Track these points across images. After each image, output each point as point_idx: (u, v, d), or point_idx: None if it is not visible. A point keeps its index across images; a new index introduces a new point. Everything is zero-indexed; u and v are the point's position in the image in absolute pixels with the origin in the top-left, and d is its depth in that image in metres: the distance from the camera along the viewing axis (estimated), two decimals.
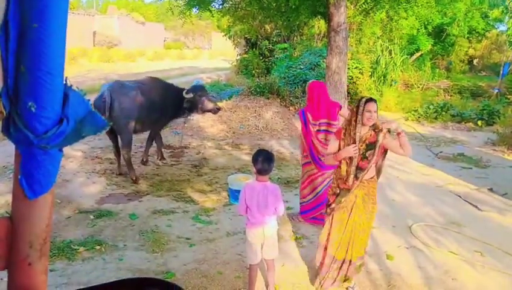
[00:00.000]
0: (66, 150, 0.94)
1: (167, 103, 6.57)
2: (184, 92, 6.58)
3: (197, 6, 7.98)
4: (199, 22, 41.91)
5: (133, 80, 7.11)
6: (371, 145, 3.21)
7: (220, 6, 8.51)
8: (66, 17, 0.93)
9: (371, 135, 3.23)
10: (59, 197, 5.22)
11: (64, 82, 0.96)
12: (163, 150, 7.34)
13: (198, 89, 6.77)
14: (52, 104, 0.93)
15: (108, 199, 5.50)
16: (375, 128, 3.23)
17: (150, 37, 38.16)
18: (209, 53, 42.45)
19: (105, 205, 5.26)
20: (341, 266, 3.36)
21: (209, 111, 6.93)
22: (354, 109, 3.27)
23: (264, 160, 3.15)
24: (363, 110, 3.18)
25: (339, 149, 3.30)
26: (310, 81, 4.95)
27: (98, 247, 4.06)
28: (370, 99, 3.23)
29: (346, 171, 3.27)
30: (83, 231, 4.44)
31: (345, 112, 4.67)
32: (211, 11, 8.39)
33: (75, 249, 3.98)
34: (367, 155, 3.21)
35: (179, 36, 50.19)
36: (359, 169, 3.24)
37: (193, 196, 5.76)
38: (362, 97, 3.29)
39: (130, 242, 4.25)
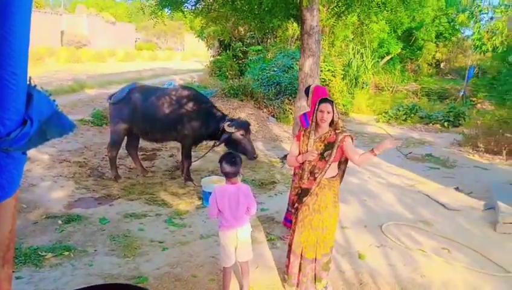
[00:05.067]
0: (32, 153, 0.90)
1: (191, 115, 6.04)
2: (226, 125, 5.80)
3: (169, 7, 7.87)
4: (171, 23, 41.52)
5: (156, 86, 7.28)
6: (330, 145, 3.22)
7: (193, 7, 8.42)
8: (29, 16, 0.89)
9: (330, 135, 3.25)
10: (25, 201, 5.04)
11: (28, 82, 0.92)
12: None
13: (243, 127, 5.90)
14: (16, 104, 0.89)
15: (77, 203, 5.34)
16: (336, 129, 3.27)
17: (120, 37, 37.44)
18: (182, 54, 42.10)
19: (74, 209, 5.10)
20: (312, 266, 3.38)
21: (244, 154, 5.83)
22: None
23: (227, 163, 3.13)
24: (317, 110, 3.23)
25: (300, 151, 3.34)
26: (314, 85, 4.73)
27: (66, 253, 3.94)
28: (324, 100, 3.26)
29: (302, 169, 3.32)
30: (51, 237, 4.29)
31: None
32: (183, 12, 8.29)
33: (43, 256, 3.84)
34: (325, 155, 3.22)
35: (151, 37, 49.52)
36: (317, 169, 3.25)
37: (166, 199, 5.69)
38: (320, 98, 3.34)
39: (101, 247, 4.14)
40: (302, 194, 3.34)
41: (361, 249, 4.31)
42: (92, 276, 3.57)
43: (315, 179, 3.25)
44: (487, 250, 4.41)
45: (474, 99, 17.11)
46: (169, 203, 5.53)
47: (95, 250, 4.08)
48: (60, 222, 4.66)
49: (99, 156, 7.33)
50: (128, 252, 4.04)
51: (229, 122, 5.86)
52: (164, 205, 5.47)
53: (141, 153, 7.80)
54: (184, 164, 6.35)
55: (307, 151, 3.25)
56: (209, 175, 6.52)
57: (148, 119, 6.06)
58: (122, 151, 6.86)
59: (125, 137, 6.43)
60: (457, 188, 6.55)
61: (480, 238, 4.77)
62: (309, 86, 4.59)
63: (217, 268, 3.77)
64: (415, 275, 3.84)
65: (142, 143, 7.28)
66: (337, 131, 3.25)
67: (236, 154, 3.30)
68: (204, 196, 5.52)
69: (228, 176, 3.16)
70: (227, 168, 3.13)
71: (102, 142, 7.88)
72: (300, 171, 3.36)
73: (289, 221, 4.47)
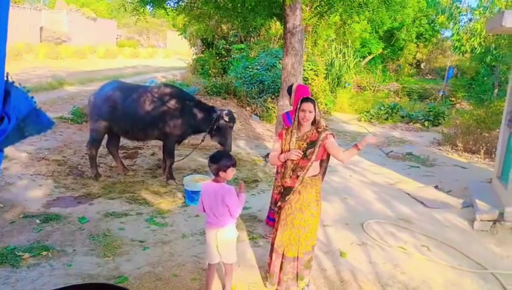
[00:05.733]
0: (10, 151, 0.88)
1: (174, 113, 5.97)
2: (224, 113, 5.99)
3: (151, 4, 7.77)
4: (154, 20, 41.00)
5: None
6: (312, 144, 3.23)
7: (175, 5, 8.32)
8: (7, 11, 0.87)
9: (312, 134, 3.26)
10: (1, 201, 4.92)
11: (6, 78, 0.90)
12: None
13: (233, 121, 6.19)
14: None
15: (56, 202, 5.24)
16: (318, 128, 3.28)
17: (101, 34, 36.78)
18: (164, 52, 41.63)
19: (53, 208, 5.00)
20: (294, 265, 3.40)
21: (223, 145, 6.17)
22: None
23: (210, 161, 3.17)
24: (299, 109, 3.25)
25: (282, 150, 3.35)
26: (296, 84, 4.76)
27: (44, 253, 3.86)
28: (306, 99, 3.27)
29: (284, 167, 3.34)
30: (28, 237, 4.20)
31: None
32: (165, 9, 8.19)
33: (20, 256, 3.75)
34: (307, 154, 3.23)
35: (133, 34, 48.83)
36: (299, 167, 3.26)
37: (147, 197, 5.63)
38: (302, 97, 3.36)
39: (80, 247, 4.07)
40: (284, 192, 3.35)
41: (343, 247, 4.35)
42: (70, 276, 3.51)
43: (297, 177, 3.27)
44: (465, 247, 4.52)
45: (453, 99, 17.53)
46: (151, 202, 5.48)
47: (74, 250, 4.00)
48: (38, 221, 4.56)
49: (79, 154, 7.21)
50: (108, 252, 3.98)
51: (226, 112, 6.09)
52: (145, 203, 5.41)
53: (122, 151, 7.70)
54: (166, 162, 6.30)
55: (289, 150, 3.26)
56: (191, 174, 6.48)
57: (128, 117, 5.98)
58: (103, 149, 6.75)
59: (106, 135, 6.33)
60: (436, 187, 6.67)
61: (459, 235, 4.88)
62: (292, 85, 4.61)
63: (199, 267, 3.75)
64: (395, 272, 3.90)
65: (123, 141, 7.18)
66: (319, 130, 3.27)
67: (220, 152, 3.31)
68: (187, 195, 5.48)
69: (212, 173, 3.18)
70: (210, 166, 3.17)
71: (82, 140, 7.75)
72: (283, 170, 3.37)
73: (272, 219, 4.48)
